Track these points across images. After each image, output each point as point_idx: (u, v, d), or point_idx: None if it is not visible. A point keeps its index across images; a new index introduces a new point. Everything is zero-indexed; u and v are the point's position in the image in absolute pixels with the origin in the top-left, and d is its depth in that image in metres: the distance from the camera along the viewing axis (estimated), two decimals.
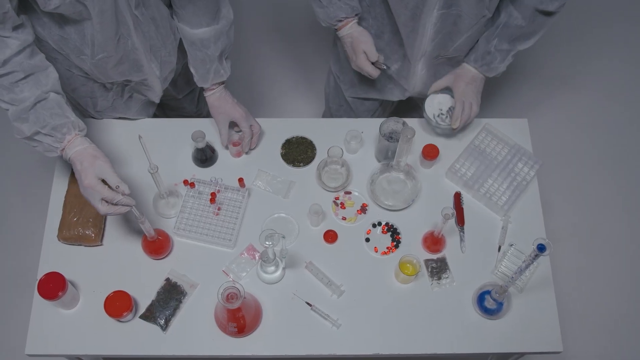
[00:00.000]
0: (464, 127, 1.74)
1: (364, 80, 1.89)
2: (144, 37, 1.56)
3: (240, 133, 1.73)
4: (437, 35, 1.65)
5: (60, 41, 1.47)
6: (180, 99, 2.05)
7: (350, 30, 1.67)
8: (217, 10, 1.56)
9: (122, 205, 1.34)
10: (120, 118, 1.84)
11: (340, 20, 1.67)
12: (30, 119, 1.36)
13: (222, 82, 1.71)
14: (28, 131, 1.37)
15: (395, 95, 1.92)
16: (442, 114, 1.73)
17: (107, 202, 1.34)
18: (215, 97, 1.70)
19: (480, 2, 1.52)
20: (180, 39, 1.68)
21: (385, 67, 1.72)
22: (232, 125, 1.73)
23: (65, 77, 1.64)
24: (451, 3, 1.54)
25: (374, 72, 1.70)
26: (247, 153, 1.76)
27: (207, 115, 1.78)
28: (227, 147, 1.75)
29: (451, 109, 1.71)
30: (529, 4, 1.49)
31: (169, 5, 1.60)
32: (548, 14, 1.52)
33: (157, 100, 1.85)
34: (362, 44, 1.66)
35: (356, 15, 1.67)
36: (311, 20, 3.08)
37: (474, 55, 1.66)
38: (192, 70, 1.67)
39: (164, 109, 2.17)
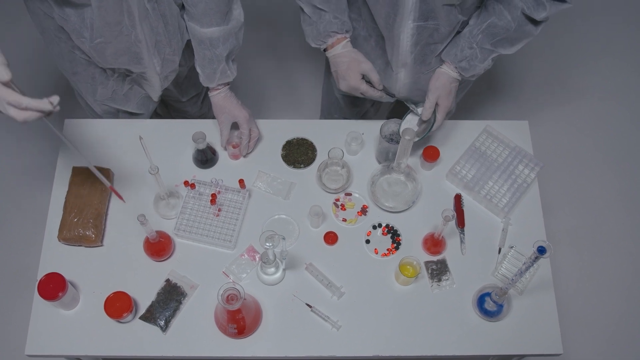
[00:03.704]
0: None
1: None
2: (151, 31, 1.56)
3: (240, 137, 1.73)
4: (415, 48, 1.63)
5: (61, 19, 1.48)
6: (184, 102, 2.06)
7: (345, 49, 1.61)
8: (228, 11, 1.56)
9: (34, 110, 1.13)
10: (119, 110, 1.84)
11: (331, 36, 1.62)
12: None
13: (228, 83, 1.71)
14: None
15: (382, 98, 1.92)
16: (418, 125, 1.69)
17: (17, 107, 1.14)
18: (220, 97, 1.70)
19: (451, 12, 1.51)
20: (188, 41, 1.69)
21: (390, 95, 1.65)
22: (234, 127, 1.73)
23: (69, 60, 1.65)
24: (428, 16, 1.52)
25: (373, 92, 1.62)
26: (244, 156, 1.76)
27: (213, 117, 1.78)
28: (225, 148, 1.75)
29: (420, 121, 1.68)
30: (518, 6, 1.48)
31: (181, 6, 1.60)
32: (534, 22, 1.51)
33: (155, 98, 1.85)
34: (362, 64, 1.60)
35: (347, 32, 1.62)
36: None
37: (455, 50, 1.59)
38: (198, 69, 1.67)
39: (169, 109, 2.17)
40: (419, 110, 1.66)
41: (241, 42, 1.66)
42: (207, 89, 1.71)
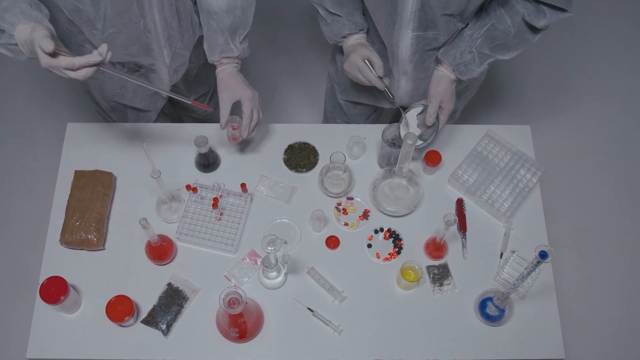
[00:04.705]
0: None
1: (356, 84, 1.88)
2: (165, 25, 1.57)
3: (242, 123, 1.65)
4: (414, 56, 1.64)
5: (74, 12, 1.47)
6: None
7: (356, 41, 1.65)
8: None
9: (88, 66, 1.23)
10: (126, 107, 1.84)
11: (345, 37, 1.67)
12: None
13: (236, 63, 1.67)
14: None
15: (384, 103, 1.92)
16: (418, 127, 1.68)
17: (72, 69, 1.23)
18: (225, 73, 1.65)
19: (450, 21, 1.51)
20: (199, 37, 1.70)
21: (390, 96, 1.66)
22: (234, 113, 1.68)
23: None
24: (427, 26, 1.53)
25: (370, 73, 1.60)
26: (245, 138, 1.67)
27: (217, 121, 1.76)
28: (224, 128, 1.67)
29: (419, 117, 1.68)
30: (519, 12, 1.48)
31: (194, 2, 1.61)
32: (533, 29, 1.50)
33: (164, 95, 1.85)
34: (365, 49, 1.62)
35: (360, 31, 1.66)
36: (314, 26, 3.09)
37: (453, 51, 1.58)
38: (205, 44, 1.65)
39: (176, 107, 2.17)
40: (413, 111, 1.65)
41: (250, 20, 1.63)
42: (216, 88, 1.69)
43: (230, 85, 1.63)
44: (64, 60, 1.21)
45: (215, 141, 1.78)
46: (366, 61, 1.60)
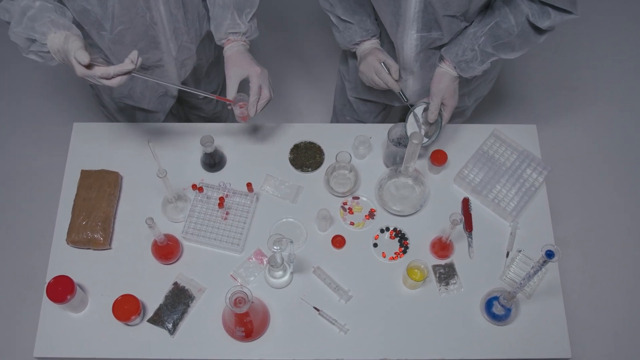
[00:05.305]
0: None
1: None
2: (171, 17, 1.58)
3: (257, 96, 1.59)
4: (419, 56, 1.64)
5: (82, 13, 1.47)
6: (200, 100, 2.06)
7: (371, 46, 1.67)
8: None
9: (121, 75, 1.29)
10: (134, 108, 1.84)
11: (357, 44, 1.69)
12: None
13: (244, 42, 1.64)
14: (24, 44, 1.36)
15: (394, 101, 1.92)
16: (422, 125, 1.68)
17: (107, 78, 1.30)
18: (232, 50, 1.61)
19: (453, 22, 1.51)
20: (208, 33, 1.71)
21: (404, 97, 1.68)
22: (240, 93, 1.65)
23: None
24: (431, 26, 1.53)
25: (386, 75, 1.63)
26: (253, 116, 1.60)
27: (224, 119, 1.76)
28: (231, 108, 1.64)
29: (423, 115, 1.67)
30: (524, 11, 1.47)
31: None
32: (537, 29, 1.50)
33: (174, 92, 1.85)
34: (381, 53, 1.65)
35: (373, 37, 1.68)
36: (322, 25, 3.09)
37: (456, 49, 1.57)
38: (212, 27, 1.63)
39: (183, 106, 2.17)
40: (418, 109, 1.65)
41: (257, 1, 1.61)
42: (225, 86, 1.68)
43: (238, 62, 1.59)
44: (99, 70, 1.28)
45: (221, 140, 1.78)
46: (382, 64, 1.62)
